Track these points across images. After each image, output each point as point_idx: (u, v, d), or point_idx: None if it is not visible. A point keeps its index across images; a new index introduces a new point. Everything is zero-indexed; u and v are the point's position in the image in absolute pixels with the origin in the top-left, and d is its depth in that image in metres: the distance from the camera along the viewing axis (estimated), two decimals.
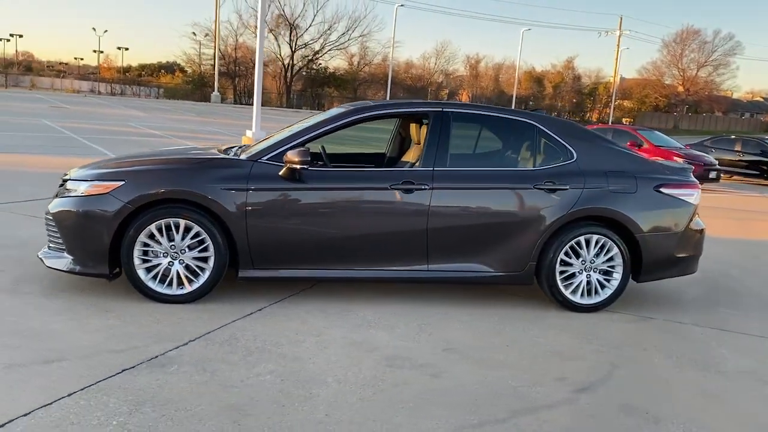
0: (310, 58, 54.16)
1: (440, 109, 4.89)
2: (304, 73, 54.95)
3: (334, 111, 5.09)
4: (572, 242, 4.81)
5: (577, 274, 4.88)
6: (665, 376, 3.81)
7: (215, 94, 46.59)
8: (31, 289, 4.51)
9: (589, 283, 4.89)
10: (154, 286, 4.40)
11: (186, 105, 40.85)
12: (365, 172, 4.87)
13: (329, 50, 54.58)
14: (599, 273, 4.90)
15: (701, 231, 5.21)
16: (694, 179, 5.20)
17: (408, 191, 4.60)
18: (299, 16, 52.32)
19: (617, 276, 4.90)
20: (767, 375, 3.92)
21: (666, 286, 5.83)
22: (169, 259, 4.41)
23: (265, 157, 4.55)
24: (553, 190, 4.77)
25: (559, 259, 4.81)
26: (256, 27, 51.11)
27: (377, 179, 4.65)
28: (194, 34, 48.56)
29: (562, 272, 4.85)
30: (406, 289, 5.10)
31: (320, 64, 55.16)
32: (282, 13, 51.69)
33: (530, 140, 4.98)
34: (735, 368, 4.00)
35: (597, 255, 4.86)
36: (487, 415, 3.14)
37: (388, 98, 52.86)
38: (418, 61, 67.43)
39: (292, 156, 4.40)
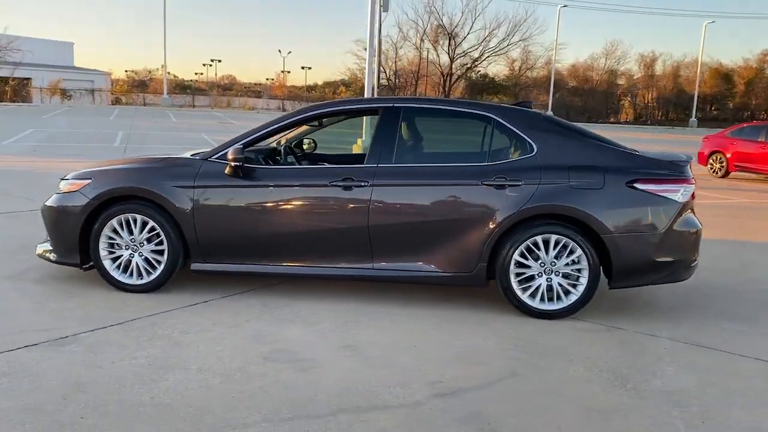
0: (468, 65, 54.19)
1: (390, 105, 4.79)
2: (463, 81, 55.06)
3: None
4: (528, 242, 4.46)
5: (536, 276, 4.51)
6: (563, 390, 3.42)
7: None
8: (33, 276, 5.12)
9: (550, 287, 4.50)
10: (117, 276, 4.80)
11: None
12: (307, 169, 4.91)
13: (488, 56, 54.19)
14: (562, 277, 4.49)
15: (694, 233, 4.57)
16: (684, 174, 4.56)
17: (347, 188, 4.57)
18: (458, 25, 52.58)
19: (583, 281, 4.46)
20: (692, 398, 3.36)
21: (684, 296, 5.18)
22: (130, 251, 4.78)
23: (214, 156, 4.78)
24: (503, 186, 4.47)
25: (513, 260, 4.49)
26: (421, 39, 52.45)
27: (318, 176, 4.67)
28: (365, 50, 50.38)
29: (518, 274, 4.51)
30: (371, 287, 5.03)
31: (479, 71, 55.01)
32: (441, 23, 52.33)
33: (486, 133, 4.71)
34: (660, 388, 3.47)
35: (558, 257, 4.47)
36: (308, 410, 3.06)
37: (550, 103, 51.27)
38: (586, 63, 64.38)
39: (229, 154, 4.59)
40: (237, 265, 4.75)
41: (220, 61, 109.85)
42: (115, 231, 4.77)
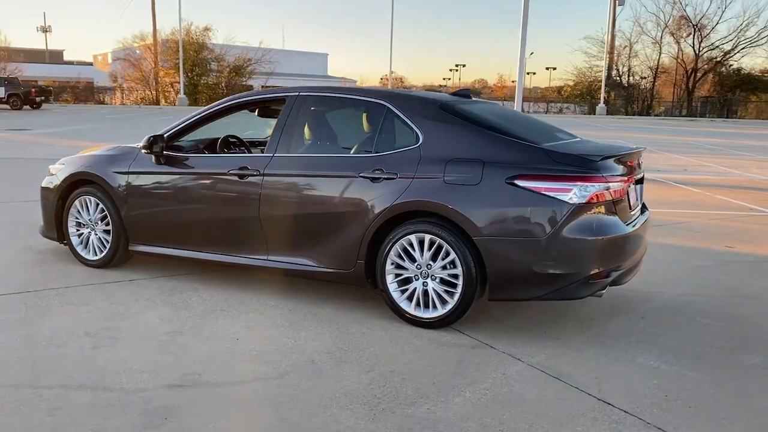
0: (718, 59, 48.12)
1: (296, 94, 4.68)
2: (711, 77, 49.03)
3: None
4: (403, 241, 4.06)
5: (413, 279, 4.08)
6: (295, 399, 3.09)
7: (600, 106, 45.45)
8: (40, 248, 5.86)
9: (426, 292, 4.04)
10: (80, 251, 5.38)
11: (563, 119, 40.95)
12: (216, 158, 4.95)
13: (744, 48, 47.57)
14: (439, 282, 3.99)
15: (601, 241, 3.73)
16: (588, 171, 3.74)
17: (242, 177, 4.58)
18: (705, 15, 47.11)
19: (459, 288, 3.92)
20: (424, 429, 2.81)
21: (655, 322, 4.26)
22: (88, 229, 5.33)
23: None
24: (378, 179, 4.11)
25: (389, 260, 4.12)
26: (661, 33, 47.86)
27: (222, 165, 4.73)
28: (602, 44, 47.43)
29: (397, 275, 4.13)
30: (289, 279, 4.95)
31: (731, 65, 48.47)
32: (684, 14, 47.31)
33: (378, 122, 4.35)
34: (413, 414, 2.94)
35: (434, 259, 3.99)
36: (36, 380, 3.19)
37: None
38: None
39: (141, 143, 4.88)
40: (159, 248, 5.02)
41: (464, 65, 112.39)
42: (79, 211, 5.35)
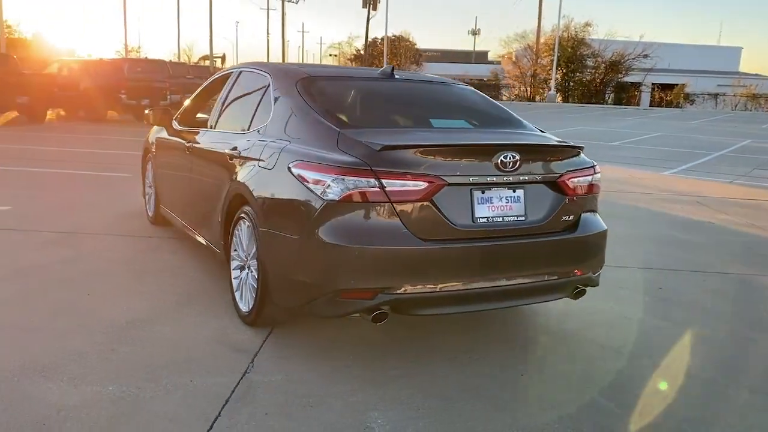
0: None
1: (238, 70, 4.59)
2: None
3: None
4: (236, 224, 3.75)
5: (243, 268, 3.74)
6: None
7: None
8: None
9: (247, 285, 3.67)
10: (146, 208, 6.20)
11: None
12: (190, 132, 5.03)
13: None
14: (253, 273, 3.57)
15: (354, 251, 2.89)
16: (354, 164, 2.89)
17: (188, 150, 4.74)
18: None
19: (258, 284, 3.46)
20: None
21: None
22: (152, 190, 6.11)
23: None
24: (231, 158, 3.85)
25: (233, 245, 3.85)
26: None
27: (186, 139, 4.91)
28: None
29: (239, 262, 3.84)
30: None
31: None
32: None
33: (259, 97, 4.03)
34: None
35: (251, 248, 3.60)
36: None
37: None
38: None
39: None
40: (167, 211, 5.50)
41: None
42: (147, 174, 6.17)
